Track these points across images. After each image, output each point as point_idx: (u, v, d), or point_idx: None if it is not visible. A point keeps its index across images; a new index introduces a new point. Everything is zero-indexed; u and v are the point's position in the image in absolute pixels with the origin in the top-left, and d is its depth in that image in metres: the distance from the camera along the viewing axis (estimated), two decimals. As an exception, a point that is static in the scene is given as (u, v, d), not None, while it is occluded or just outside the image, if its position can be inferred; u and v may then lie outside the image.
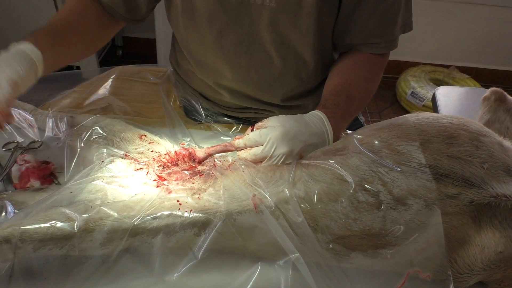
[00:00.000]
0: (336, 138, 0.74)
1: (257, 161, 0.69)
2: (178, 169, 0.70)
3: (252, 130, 0.70)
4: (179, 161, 0.74)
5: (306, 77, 0.92)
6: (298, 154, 0.69)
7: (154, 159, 0.75)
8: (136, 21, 0.93)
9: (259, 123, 0.71)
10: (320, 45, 0.87)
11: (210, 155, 0.75)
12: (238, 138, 0.71)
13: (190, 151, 0.76)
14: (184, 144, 0.85)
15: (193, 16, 0.84)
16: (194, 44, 0.90)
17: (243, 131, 0.92)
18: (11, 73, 0.63)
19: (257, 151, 0.68)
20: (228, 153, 0.78)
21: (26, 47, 0.67)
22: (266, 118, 0.71)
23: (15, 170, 0.73)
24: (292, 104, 0.97)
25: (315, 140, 0.71)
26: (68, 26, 0.80)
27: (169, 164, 0.74)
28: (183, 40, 0.92)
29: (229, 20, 0.83)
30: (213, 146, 0.75)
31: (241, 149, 0.71)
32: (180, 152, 0.75)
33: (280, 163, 0.68)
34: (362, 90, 0.85)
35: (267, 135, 0.67)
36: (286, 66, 0.89)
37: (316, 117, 0.73)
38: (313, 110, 0.76)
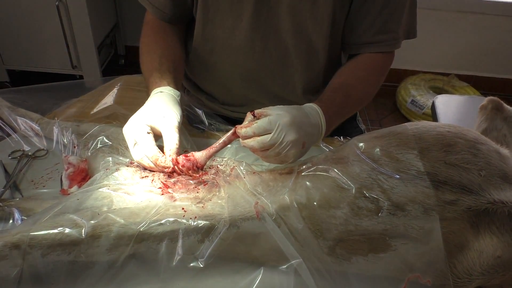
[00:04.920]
0: (327, 131, 0.76)
1: (265, 148, 0.68)
2: (183, 179, 0.71)
3: (253, 115, 0.70)
4: (183, 173, 0.74)
5: (317, 71, 0.95)
6: (302, 143, 0.69)
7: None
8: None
9: (259, 110, 0.70)
10: (332, 37, 0.90)
11: (210, 157, 0.74)
12: (245, 127, 0.69)
13: (191, 159, 0.76)
14: (187, 151, 0.86)
15: (216, 1, 0.87)
16: (213, 27, 0.92)
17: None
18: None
19: (265, 138, 0.67)
20: (229, 156, 0.78)
21: (175, 93, 0.81)
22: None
23: (64, 177, 0.75)
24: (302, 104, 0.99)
25: (314, 131, 0.72)
26: (174, 57, 0.90)
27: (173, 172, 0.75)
28: (201, 25, 0.94)
29: (249, 6, 0.86)
30: (212, 147, 0.74)
31: (248, 138, 0.69)
32: (184, 164, 0.75)
33: (285, 152, 0.68)
34: (360, 91, 0.87)
35: (276, 122, 0.67)
36: (299, 56, 0.92)
37: (312, 109, 0.75)
38: None
